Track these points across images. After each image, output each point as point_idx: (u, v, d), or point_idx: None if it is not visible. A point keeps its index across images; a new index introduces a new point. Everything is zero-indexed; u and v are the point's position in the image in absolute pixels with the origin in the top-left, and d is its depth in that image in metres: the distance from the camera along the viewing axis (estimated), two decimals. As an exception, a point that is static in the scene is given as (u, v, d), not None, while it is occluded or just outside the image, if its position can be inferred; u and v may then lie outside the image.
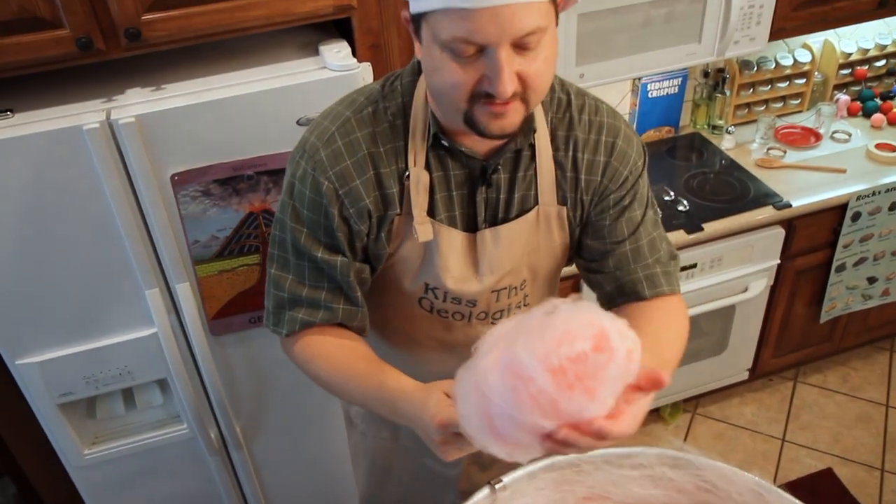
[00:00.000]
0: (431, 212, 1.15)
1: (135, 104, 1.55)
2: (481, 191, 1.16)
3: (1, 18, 1.44)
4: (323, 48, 1.68)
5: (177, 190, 1.60)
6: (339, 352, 1.18)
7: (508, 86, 0.94)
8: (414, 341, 1.32)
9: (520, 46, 0.94)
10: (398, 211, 1.15)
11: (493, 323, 1.28)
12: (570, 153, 1.18)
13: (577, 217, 1.22)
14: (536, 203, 1.19)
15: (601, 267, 1.25)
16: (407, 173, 1.13)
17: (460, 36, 0.92)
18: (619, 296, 1.24)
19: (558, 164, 1.18)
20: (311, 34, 1.79)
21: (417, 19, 0.98)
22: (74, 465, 1.88)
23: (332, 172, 1.11)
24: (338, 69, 1.62)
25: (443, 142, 1.11)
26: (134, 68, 1.69)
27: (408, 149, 1.13)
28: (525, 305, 1.30)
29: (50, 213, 1.56)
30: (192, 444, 1.95)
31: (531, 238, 1.21)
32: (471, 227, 1.18)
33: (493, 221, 1.18)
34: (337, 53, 1.65)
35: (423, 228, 1.14)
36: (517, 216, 1.19)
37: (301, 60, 1.69)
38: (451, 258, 1.17)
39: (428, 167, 1.13)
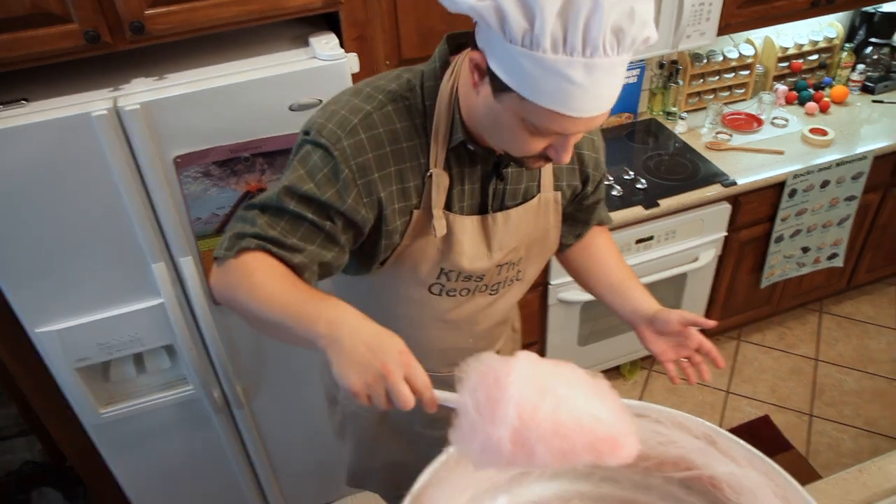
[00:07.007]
0: (448, 204, 1.11)
1: (139, 92, 1.50)
2: (493, 182, 1.13)
3: (16, 14, 1.38)
4: (313, 40, 1.63)
5: (179, 171, 1.55)
6: (290, 273, 0.99)
7: (569, 157, 0.98)
8: (417, 325, 1.27)
9: None
10: (416, 204, 1.09)
11: (491, 294, 1.26)
12: (574, 148, 1.18)
13: (568, 201, 1.26)
14: (538, 191, 1.19)
15: (574, 240, 1.39)
16: (429, 172, 1.07)
17: (555, 129, 0.91)
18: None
19: None
20: (301, 27, 1.73)
21: (505, 86, 0.89)
22: (91, 423, 1.84)
23: (354, 163, 1.02)
24: (327, 59, 1.57)
25: (468, 146, 1.07)
26: (138, 59, 1.64)
27: (429, 147, 1.07)
28: (518, 280, 1.29)
29: (63, 194, 1.50)
30: (197, 403, 1.91)
31: (532, 220, 1.21)
32: (481, 212, 1.16)
33: (500, 207, 1.17)
34: (326, 44, 1.60)
35: (441, 223, 1.10)
36: (521, 202, 1.18)
37: (293, 51, 1.63)
38: (465, 242, 1.14)
39: (447, 166, 1.09)
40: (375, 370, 0.83)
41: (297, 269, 1.00)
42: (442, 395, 0.86)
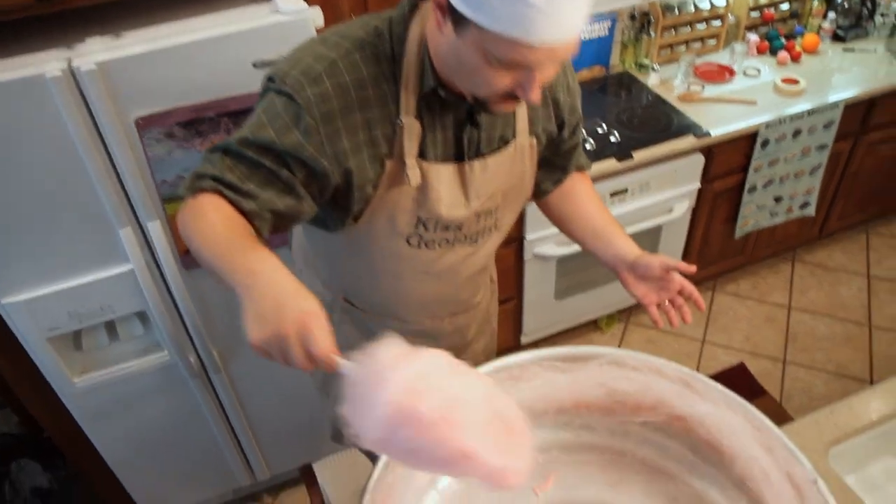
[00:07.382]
0: (422, 153, 1.09)
1: (96, 52, 1.43)
2: (468, 130, 1.10)
3: (-46, -30, 1.30)
4: (274, -7, 1.57)
5: (141, 133, 1.50)
6: (240, 221, 0.98)
7: (539, 95, 0.95)
8: (399, 278, 1.25)
9: None
10: (388, 153, 1.06)
11: (471, 244, 1.25)
12: (549, 93, 1.18)
13: (544, 146, 1.25)
14: (513, 137, 1.17)
15: (553, 186, 1.37)
16: (399, 122, 1.04)
17: (517, 59, 0.87)
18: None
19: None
20: (262, -19, 1.67)
21: (464, 18, 0.87)
22: (66, 393, 1.81)
23: (319, 112, 0.99)
24: (289, 13, 1.51)
25: (440, 93, 1.03)
26: (93, 17, 1.56)
27: (399, 95, 1.03)
28: (496, 229, 1.27)
29: (22, 160, 1.44)
30: (173, 368, 1.88)
31: (508, 167, 1.19)
32: (457, 159, 1.13)
33: (476, 154, 1.14)
34: (288, -2, 1.54)
35: (415, 172, 1.08)
36: (497, 149, 1.15)
37: (254, 7, 1.57)
38: (442, 189, 1.12)
39: (418, 114, 1.05)
40: (274, 328, 0.80)
41: (248, 216, 0.98)
42: (342, 363, 0.80)
